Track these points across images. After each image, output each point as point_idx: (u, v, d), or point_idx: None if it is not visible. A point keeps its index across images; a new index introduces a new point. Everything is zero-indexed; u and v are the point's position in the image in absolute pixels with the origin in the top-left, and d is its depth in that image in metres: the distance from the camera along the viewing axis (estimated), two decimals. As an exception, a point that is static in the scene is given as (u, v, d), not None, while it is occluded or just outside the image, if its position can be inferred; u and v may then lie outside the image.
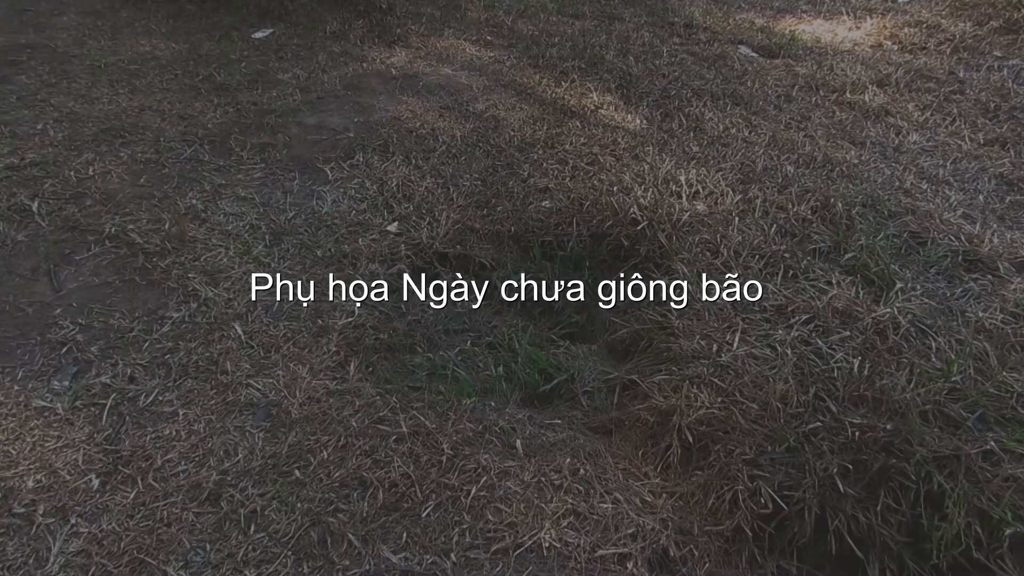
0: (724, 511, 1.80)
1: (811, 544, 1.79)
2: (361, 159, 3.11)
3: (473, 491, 1.77)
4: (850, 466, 1.81)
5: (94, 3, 4.71)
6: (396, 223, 2.73)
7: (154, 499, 1.73)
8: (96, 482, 1.76)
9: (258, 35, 4.33)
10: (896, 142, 3.36)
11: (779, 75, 4.05)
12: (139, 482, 1.77)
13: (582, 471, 1.84)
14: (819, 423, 1.91)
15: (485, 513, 1.73)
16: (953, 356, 2.08)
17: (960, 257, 2.52)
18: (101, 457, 1.82)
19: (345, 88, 3.71)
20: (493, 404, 2.07)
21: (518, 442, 1.92)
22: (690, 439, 1.92)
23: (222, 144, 3.18)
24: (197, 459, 1.84)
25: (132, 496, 1.73)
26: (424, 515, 1.72)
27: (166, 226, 2.60)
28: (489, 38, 4.44)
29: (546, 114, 3.52)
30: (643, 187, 2.87)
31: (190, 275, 2.41)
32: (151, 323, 2.23)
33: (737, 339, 2.16)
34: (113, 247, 2.53)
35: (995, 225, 2.73)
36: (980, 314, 2.25)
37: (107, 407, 1.95)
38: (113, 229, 2.60)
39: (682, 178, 2.92)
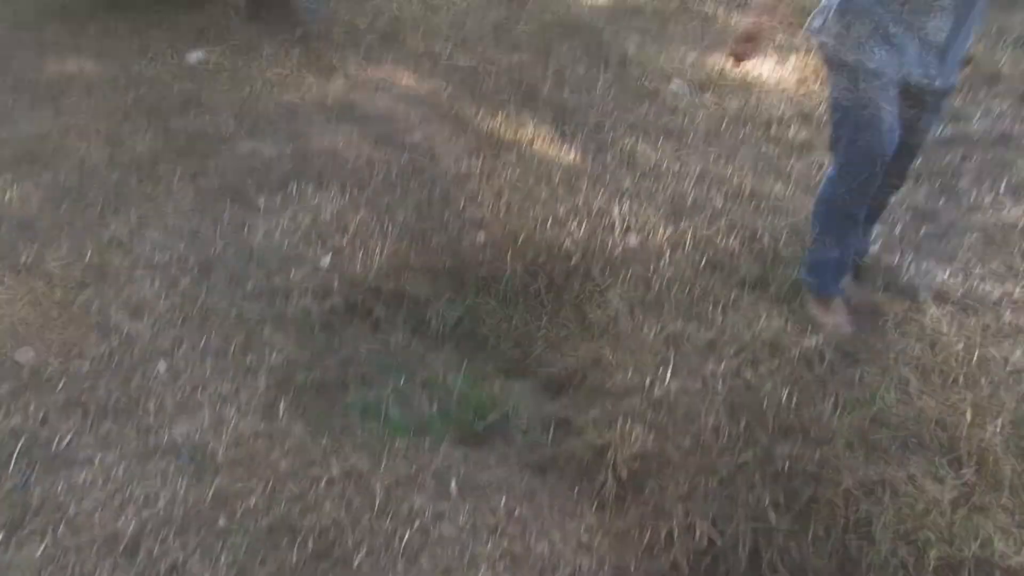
0: (660, 546, 1.81)
1: (746, 577, 1.81)
2: (295, 189, 3.05)
3: (407, 535, 1.73)
4: (781, 497, 1.84)
5: (19, 17, 4.54)
6: (329, 256, 2.68)
7: (65, 552, 1.64)
8: (0, 535, 1.66)
9: (192, 57, 4.23)
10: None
11: (709, 110, 4.16)
12: (49, 533, 1.67)
13: (518, 511, 1.83)
14: (750, 454, 1.94)
15: (419, 559, 1.69)
16: (876, 384, 2.15)
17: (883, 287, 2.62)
18: (6, 509, 1.71)
19: (280, 116, 3.65)
20: (427, 444, 2.04)
21: (453, 482, 1.89)
22: (624, 475, 1.92)
23: (151, 170, 3.08)
24: (115, 507, 1.75)
25: (41, 550, 1.64)
26: (356, 563, 1.68)
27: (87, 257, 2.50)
28: (427, 68, 4.44)
29: (482, 146, 3.53)
30: (577, 221, 2.89)
31: (111, 309, 2.32)
32: (68, 361, 2.13)
33: (669, 373, 2.19)
34: (29, 278, 2.41)
35: (911, 255, 2.84)
36: (902, 342, 2.33)
37: (16, 453, 1.85)
38: (30, 259, 2.48)
39: (615, 212, 2.96)
